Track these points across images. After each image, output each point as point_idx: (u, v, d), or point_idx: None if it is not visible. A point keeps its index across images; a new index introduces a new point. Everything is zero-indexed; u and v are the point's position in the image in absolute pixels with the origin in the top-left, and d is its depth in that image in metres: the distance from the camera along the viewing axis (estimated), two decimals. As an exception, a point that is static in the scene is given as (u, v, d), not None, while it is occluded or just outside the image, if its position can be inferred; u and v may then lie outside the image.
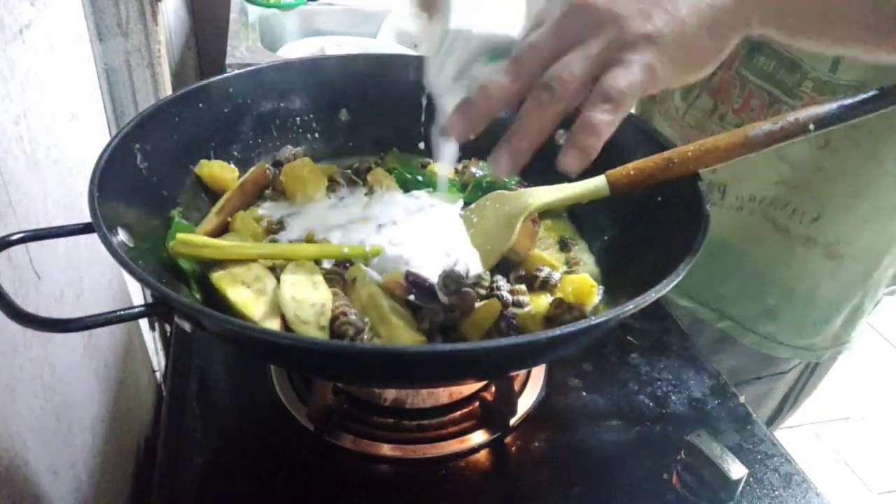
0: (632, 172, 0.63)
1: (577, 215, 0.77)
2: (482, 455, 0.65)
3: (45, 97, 0.77)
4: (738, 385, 0.96)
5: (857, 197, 0.80)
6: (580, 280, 0.66)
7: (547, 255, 0.70)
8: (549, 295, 0.66)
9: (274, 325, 0.57)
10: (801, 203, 0.81)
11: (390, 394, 0.66)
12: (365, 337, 0.57)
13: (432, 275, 0.63)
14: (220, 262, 0.61)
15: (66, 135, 0.83)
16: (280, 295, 0.58)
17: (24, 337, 0.65)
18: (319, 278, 0.61)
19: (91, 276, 0.88)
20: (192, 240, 0.60)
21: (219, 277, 0.60)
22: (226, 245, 0.62)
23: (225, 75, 0.77)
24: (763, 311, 0.90)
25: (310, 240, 0.68)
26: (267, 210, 0.73)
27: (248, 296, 0.59)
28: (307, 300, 0.58)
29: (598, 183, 0.65)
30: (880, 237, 0.84)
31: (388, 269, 0.63)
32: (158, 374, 1.25)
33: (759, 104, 0.80)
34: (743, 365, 0.95)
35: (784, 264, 0.86)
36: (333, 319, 0.58)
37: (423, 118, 0.86)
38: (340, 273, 0.63)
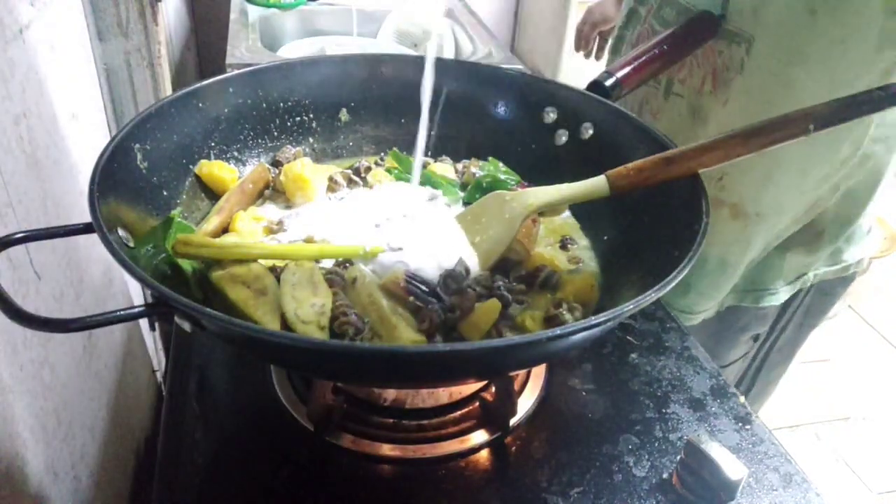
0: (631, 172, 0.63)
1: (578, 215, 0.77)
2: (482, 455, 0.65)
3: (45, 97, 0.77)
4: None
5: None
6: (581, 280, 0.66)
7: (548, 255, 0.70)
8: (549, 295, 0.66)
9: (274, 324, 0.57)
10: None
11: (390, 394, 0.66)
12: (365, 337, 0.57)
13: (432, 275, 0.63)
14: (220, 262, 0.61)
15: (66, 135, 0.83)
16: (280, 295, 0.58)
17: (24, 337, 0.65)
18: (320, 278, 0.61)
19: (91, 276, 0.88)
20: (192, 240, 0.60)
21: (219, 277, 0.60)
22: (226, 245, 0.62)
23: (225, 75, 0.77)
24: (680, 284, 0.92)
25: (309, 240, 0.68)
26: (267, 210, 0.73)
27: (248, 295, 0.59)
28: (307, 300, 0.58)
29: (598, 183, 0.65)
30: (786, 195, 0.86)
31: (388, 270, 0.63)
32: (158, 374, 1.25)
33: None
34: None
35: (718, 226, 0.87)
36: (333, 319, 0.58)
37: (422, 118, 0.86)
38: (340, 273, 0.63)
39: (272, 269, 0.62)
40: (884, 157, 0.86)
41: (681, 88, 0.85)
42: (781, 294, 0.98)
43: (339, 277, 0.62)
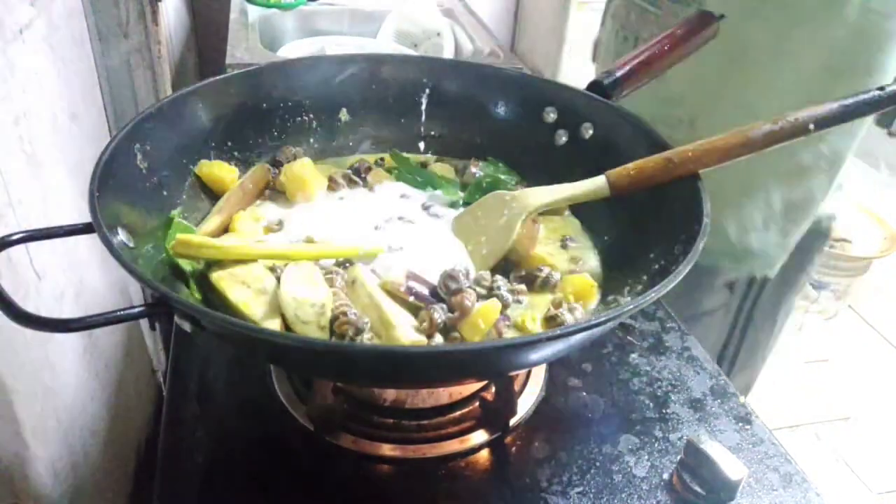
0: (632, 172, 0.63)
1: (578, 215, 0.77)
2: (482, 455, 0.65)
3: (45, 97, 0.77)
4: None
5: (721, 98, 0.85)
6: (580, 280, 0.66)
7: (547, 255, 0.70)
8: (549, 295, 0.66)
9: (274, 324, 0.57)
10: (677, 114, 0.87)
11: (390, 394, 0.66)
12: (365, 337, 0.57)
13: (432, 275, 0.63)
14: (220, 262, 0.61)
15: (66, 135, 0.83)
16: (280, 295, 0.58)
17: (24, 337, 0.65)
18: (320, 278, 0.61)
19: (91, 276, 0.88)
20: (192, 240, 0.60)
21: (219, 277, 0.60)
22: (226, 245, 0.62)
23: (225, 75, 0.77)
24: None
25: (309, 240, 0.68)
26: (267, 210, 0.73)
27: (248, 295, 0.59)
28: (307, 300, 0.58)
29: (598, 183, 0.65)
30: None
31: (389, 271, 0.63)
32: (158, 374, 1.25)
33: (636, 15, 0.88)
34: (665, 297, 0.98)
35: None
36: (333, 319, 0.58)
37: (423, 118, 0.86)
38: (340, 273, 0.63)
39: (272, 270, 0.62)
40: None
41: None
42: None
43: (339, 277, 0.62)
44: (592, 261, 0.72)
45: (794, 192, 0.96)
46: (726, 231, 0.97)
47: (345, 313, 0.57)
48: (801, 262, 1.07)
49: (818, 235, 1.06)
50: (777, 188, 0.95)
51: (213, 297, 0.60)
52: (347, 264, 0.65)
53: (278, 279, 0.60)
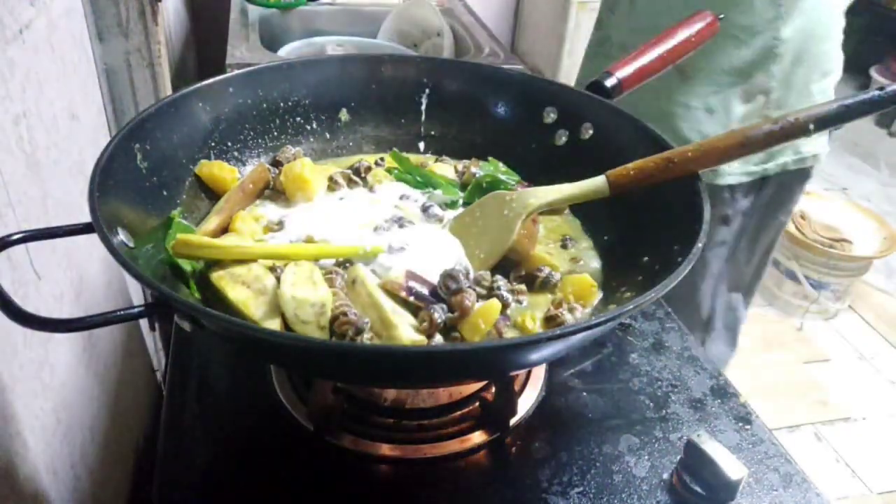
0: (632, 172, 0.63)
1: (579, 215, 0.77)
2: (482, 455, 0.65)
3: (45, 97, 0.77)
4: None
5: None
6: (580, 280, 0.66)
7: (548, 255, 0.70)
8: (549, 295, 0.66)
9: (274, 324, 0.57)
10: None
11: (390, 394, 0.66)
12: (365, 337, 0.57)
13: (432, 276, 0.63)
14: (219, 261, 0.61)
15: (66, 135, 0.83)
16: (280, 294, 0.58)
17: (24, 337, 0.65)
18: (319, 278, 0.61)
19: (91, 276, 0.88)
20: (192, 240, 0.60)
21: (219, 277, 0.60)
22: (225, 245, 0.62)
23: (225, 75, 0.77)
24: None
25: (309, 240, 0.68)
26: (266, 210, 0.73)
27: (247, 295, 0.59)
28: (307, 300, 0.58)
29: (598, 183, 0.65)
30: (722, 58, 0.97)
31: (388, 271, 0.63)
32: (158, 374, 1.25)
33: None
34: None
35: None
36: (333, 319, 0.58)
37: (423, 118, 0.86)
38: (340, 273, 0.63)
39: (272, 269, 0.62)
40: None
41: None
42: (733, 177, 1.06)
43: (339, 277, 0.62)
44: (593, 260, 0.72)
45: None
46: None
47: (345, 313, 0.57)
48: (780, 198, 1.12)
49: (799, 173, 1.10)
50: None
51: (213, 296, 0.60)
52: (347, 264, 0.65)
53: (278, 279, 0.60)
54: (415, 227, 0.71)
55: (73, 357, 0.80)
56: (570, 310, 0.62)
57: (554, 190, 0.67)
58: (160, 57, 1.14)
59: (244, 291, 0.59)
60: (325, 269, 0.63)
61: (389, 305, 0.59)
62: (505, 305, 0.62)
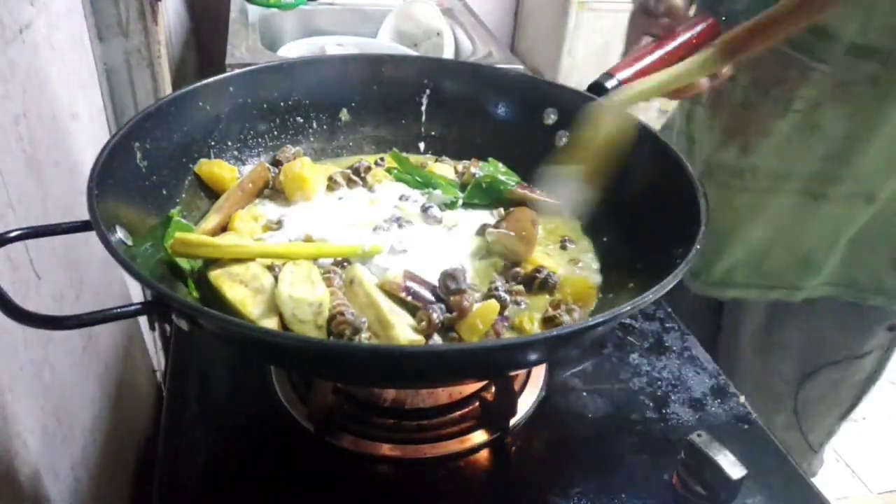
0: (742, 34, 0.58)
1: (578, 217, 0.77)
2: (482, 455, 0.65)
3: (45, 97, 0.77)
4: (813, 374, 0.95)
5: (887, 143, 0.80)
6: (579, 281, 0.66)
7: (546, 256, 0.70)
8: (547, 296, 0.66)
9: (271, 323, 0.57)
10: (833, 168, 0.82)
11: (390, 394, 0.66)
12: (363, 336, 0.57)
13: (430, 275, 0.62)
14: (218, 260, 0.61)
15: (66, 135, 0.83)
16: (277, 294, 0.58)
17: (24, 337, 0.65)
18: (317, 277, 0.61)
19: (91, 276, 0.88)
20: (190, 239, 0.60)
21: (216, 276, 0.60)
22: (223, 244, 0.62)
23: (225, 75, 0.77)
24: (811, 270, 0.89)
25: (308, 239, 0.68)
26: (265, 209, 0.73)
27: (245, 294, 0.59)
28: (305, 299, 0.58)
29: (704, 58, 0.58)
30: None
31: (386, 270, 0.63)
32: (158, 374, 1.25)
33: (797, 73, 0.80)
34: (814, 345, 0.93)
35: (825, 223, 0.86)
36: (331, 319, 0.58)
37: (423, 119, 0.86)
38: (338, 272, 0.63)
39: (270, 269, 0.62)
40: None
41: (801, 104, 0.81)
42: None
43: (338, 277, 0.62)
44: (592, 262, 0.71)
45: None
46: None
47: (342, 313, 0.57)
48: None
49: None
50: None
51: (211, 295, 0.60)
52: (346, 263, 0.65)
53: (277, 278, 0.60)
54: (413, 227, 0.71)
55: (73, 358, 0.79)
56: (569, 311, 0.62)
57: (649, 80, 0.61)
58: (160, 57, 1.14)
59: (242, 290, 0.59)
60: (322, 268, 0.63)
61: (387, 305, 0.59)
62: (503, 306, 0.62)
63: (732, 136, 0.87)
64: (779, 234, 0.89)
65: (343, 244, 0.66)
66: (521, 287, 0.65)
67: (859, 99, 0.78)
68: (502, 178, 0.77)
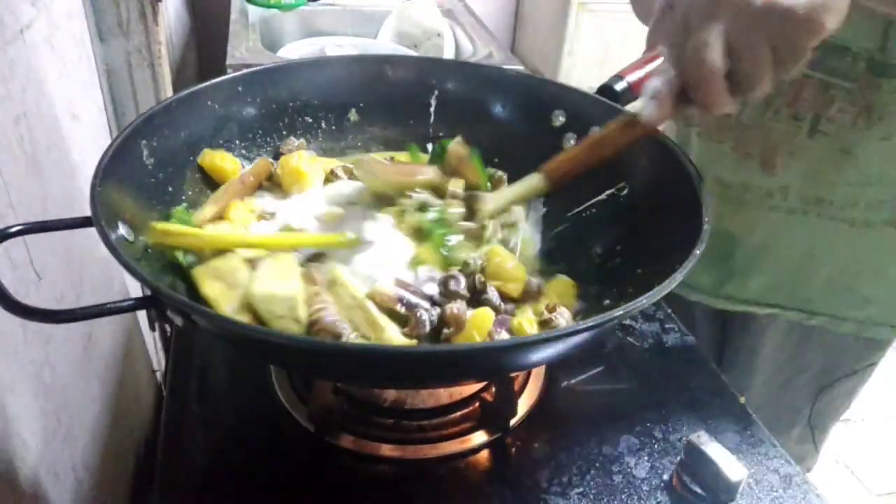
0: (564, 161, 0.65)
1: (578, 218, 0.76)
2: (482, 455, 0.65)
3: (45, 97, 0.77)
4: (830, 384, 0.94)
5: None
6: (561, 284, 0.67)
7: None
8: (535, 303, 0.65)
9: (245, 319, 0.56)
10: (871, 193, 0.80)
11: (390, 394, 0.66)
12: (351, 338, 0.56)
13: (403, 270, 0.62)
14: (205, 255, 0.61)
15: (67, 135, 0.83)
16: (249, 291, 0.57)
17: (25, 337, 0.65)
18: (295, 272, 0.60)
19: (91, 277, 0.88)
20: (169, 228, 0.59)
21: (197, 271, 0.59)
22: (201, 233, 0.61)
23: (234, 74, 0.77)
24: (856, 300, 0.87)
25: (288, 229, 0.67)
26: (263, 201, 0.73)
27: (220, 290, 0.58)
28: (276, 295, 0.57)
29: (534, 180, 0.66)
30: None
31: (373, 280, 0.62)
32: (158, 374, 1.25)
33: (813, 93, 0.78)
34: (834, 359, 0.92)
35: (868, 251, 0.84)
36: (310, 325, 0.57)
37: (431, 119, 0.86)
38: (321, 269, 0.62)
39: (251, 262, 0.61)
40: None
41: (828, 126, 0.79)
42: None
43: (321, 274, 0.61)
44: (533, 238, 0.73)
45: None
46: None
47: (321, 319, 0.56)
48: None
49: None
50: None
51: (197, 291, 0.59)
52: (323, 258, 0.64)
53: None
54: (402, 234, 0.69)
55: (73, 358, 0.79)
56: (562, 314, 0.62)
57: (497, 195, 0.68)
58: (161, 57, 1.14)
59: (217, 286, 0.58)
60: (304, 264, 0.62)
61: (374, 308, 0.59)
62: (497, 312, 0.62)
63: (747, 155, 0.85)
64: (817, 258, 0.86)
65: (322, 234, 0.65)
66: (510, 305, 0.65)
67: (892, 121, 0.76)
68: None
